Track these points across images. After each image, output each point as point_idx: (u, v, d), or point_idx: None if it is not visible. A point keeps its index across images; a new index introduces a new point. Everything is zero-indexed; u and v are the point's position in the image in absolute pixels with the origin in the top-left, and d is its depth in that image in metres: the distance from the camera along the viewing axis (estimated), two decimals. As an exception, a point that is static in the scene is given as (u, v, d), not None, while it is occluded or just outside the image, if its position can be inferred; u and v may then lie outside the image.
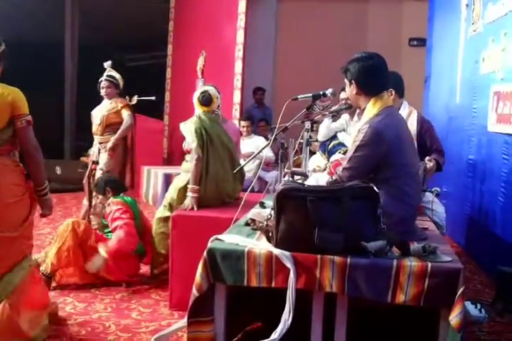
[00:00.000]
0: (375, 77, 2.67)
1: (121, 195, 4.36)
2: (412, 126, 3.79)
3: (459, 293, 2.06)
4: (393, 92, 3.71)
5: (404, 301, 2.13)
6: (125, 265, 4.04)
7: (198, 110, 4.06)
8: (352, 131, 3.56)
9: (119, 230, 3.98)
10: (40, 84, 11.24)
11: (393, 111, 2.72)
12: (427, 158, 3.60)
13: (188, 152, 3.94)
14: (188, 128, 3.88)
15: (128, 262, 4.07)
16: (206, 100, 4.05)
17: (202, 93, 4.06)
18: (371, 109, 2.62)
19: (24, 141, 2.89)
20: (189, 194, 3.77)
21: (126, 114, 5.68)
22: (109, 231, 4.15)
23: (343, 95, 4.36)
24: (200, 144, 3.81)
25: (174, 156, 9.15)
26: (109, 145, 5.65)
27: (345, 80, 2.74)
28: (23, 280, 2.88)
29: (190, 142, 3.85)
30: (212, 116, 4.02)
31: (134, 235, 4.02)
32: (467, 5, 5.69)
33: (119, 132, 5.66)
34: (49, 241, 5.31)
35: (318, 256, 2.21)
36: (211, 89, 4.11)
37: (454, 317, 2.04)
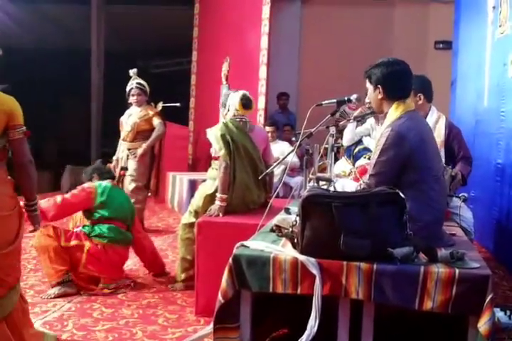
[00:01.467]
0: (401, 82, 2.68)
1: (106, 181, 4.31)
2: (440, 131, 3.76)
3: (487, 299, 2.03)
4: (422, 97, 3.69)
5: (432, 308, 2.11)
6: (108, 257, 4.06)
7: (231, 114, 3.98)
8: (376, 136, 3.54)
9: (60, 196, 4.05)
10: (67, 91, 11.41)
11: (416, 115, 2.71)
12: (454, 169, 3.57)
13: (216, 159, 3.93)
14: (214, 135, 3.86)
15: (114, 252, 4.10)
16: (249, 103, 3.99)
17: (243, 96, 3.96)
18: (393, 112, 2.62)
19: (19, 153, 2.65)
20: (217, 202, 3.76)
21: (157, 121, 5.78)
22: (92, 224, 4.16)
23: (368, 99, 4.34)
24: (227, 152, 3.80)
25: (199, 162, 9.20)
26: (140, 151, 5.73)
27: (368, 85, 2.73)
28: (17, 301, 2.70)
29: (218, 149, 3.83)
30: (239, 124, 3.96)
31: (64, 208, 4.02)
32: (494, 7, 5.62)
33: (150, 139, 5.75)
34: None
35: (344, 263, 2.20)
36: (247, 93, 4.04)
37: (483, 325, 2.01)
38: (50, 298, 3.83)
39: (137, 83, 5.90)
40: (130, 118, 5.94)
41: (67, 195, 4.09)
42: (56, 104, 11.83)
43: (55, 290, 3.89)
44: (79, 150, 10.93)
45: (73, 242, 4.00)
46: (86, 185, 4.22)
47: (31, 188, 2.76)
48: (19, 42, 9.98)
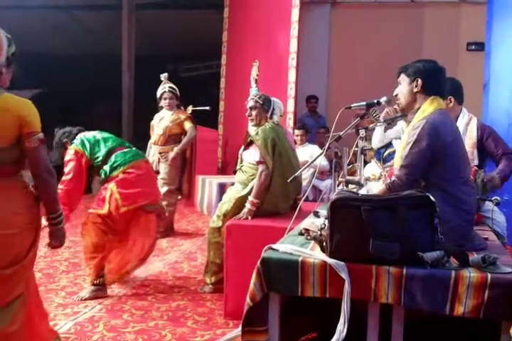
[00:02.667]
0: (441, 78, 2.70)
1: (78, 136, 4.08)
2: (472, 132, 3.71)
3: (520, 305, 1.99)
4: (452, 100, 3.64)
5: (463, 313, 2.07)
6: (137, 178, 4.00)
7: (274, 119, 4.03)
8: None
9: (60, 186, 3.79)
10: (98, 96, 11.58)
11: (447, 114, 2.70)
12: (490, 173, 3.52)
13: (258, 163, 3.87)
14: (264, 139, 3.83)
15: (138, 169, 4.03)
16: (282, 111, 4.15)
17: (281, 103, 4.13)
18: (427, 107, 2.61)
19: (35, 163, 2.41)
20: (247, 205, 3.76)
21: (189, 126, 5.85)
22: None
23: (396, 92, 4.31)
24: (272, 158, 3.81)
25: (228, 166, 9.22)
26: (172, 155, 5.80)
27: (403, 78, 2.71)
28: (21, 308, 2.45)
29: (264, 155, 3.81)
30: (280, 129, 4.03)
31: (71, 191, 3.84)
32: (527, 7, 5.52)
33: (182, 143, 5.82)
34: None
35: (374, 267, 2.18)
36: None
37: (516, 331, 1.97)
38: (81, 300, 3.88)
39: (169, 87, 5.99)
40: (161, 122, 6.01)
41: (64, 178, 3.87)
42: (88, 109, 12.01)
43: (87, 293, 3.93)
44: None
45: (106, 207, 3.91)
46: (67, 156, 3.97)
47: (51, 200, 2.50)
48: (53, 49, 10.16)
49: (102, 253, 3.96)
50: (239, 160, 4.16)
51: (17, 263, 2.39)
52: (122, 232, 4.09)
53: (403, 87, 2.72)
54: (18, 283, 2.42)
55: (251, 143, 3.96)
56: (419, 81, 2.65)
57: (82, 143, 4.00)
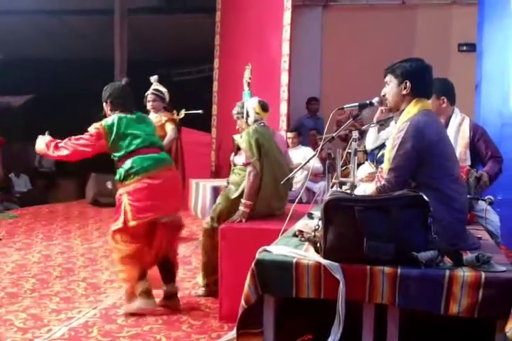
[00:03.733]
0: (429, 79, 2.69)
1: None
2: (465, 133, 3.72)
3: (515, 304, 1.99)
4: (445, 100, 3.65)
5: (458, 312, 2.07)
6: (152, 189, 3.64)
7: (252, 119, 4.03)
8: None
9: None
10: (92, 100, 11.53)
11: (433, 114, 2.71)
12: (479, 171, 3.52)
13: (245, 165, 3.88)
14: (247, 141, 3.84)
15: (156, 179, 3.65)
16: (267, 106, 4.12)
17: (260, 100, 4.12)
18: (411, 109, 2.61)
19: None
20: (241, 208, 3.76)
21: (169, 127, 5.80)
22: None
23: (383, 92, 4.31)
24: (258, 159, 3.81)
25: (222, 169, 9.20)
26: None
27: (391, 79, 2.69)
28: None
29: (249, 156, 3.82)
30: (266, 130, 4.03)
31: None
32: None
33: None
34: (101, 254, 5.42)
35: (368, 267, 2.17)
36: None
37: (511, 329, 1.96)
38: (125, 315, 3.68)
39: (153, 89, 5.94)
40: None
41: (73, 142, 3.69)
42: (79, 113, 11.99)
43: (130, 309, 3.70)
44: (103, 158, 11.02)
45: (120, 220, 3.63)
46: (91, 128, 3.72)
47: None
48: (45, 54, 10.14)
49: (130, 264, 3.68)
50: (232, 165, 4.18)
51: None
52: (147, 236, 3.75)
53: (391, 89, 2.71)
54: None
55: (239, 148, 3.98)
56: (408, 83, 2.63)
57: (111, 126, 3.67)
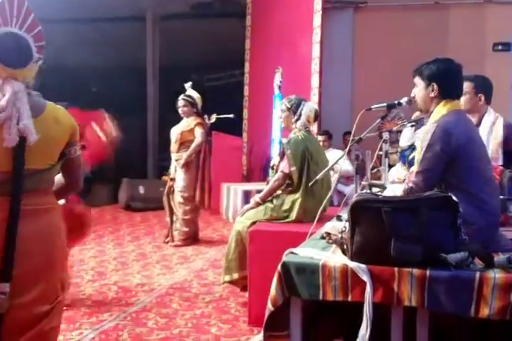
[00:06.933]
0: (458, 80, 2.62)
1: None
2: (498, 132, 3.63)
3: (548, 306, 1.92)
4: (482, 98, 3.58)
5: (489, 315, 2.00)
6: None
7: (301, 123, 3.99)
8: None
9: None
10: (125, 107, 11.69)
11: (463, 114, 2.64)
12: None
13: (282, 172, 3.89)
14: (294, 150, 3.84)
15: None
16: (317, 117, 4.14)
17: (316, 109, 4.09)
18: (440, 110, 2.54)
19: (77, 173, 2.19)
20: (252, 201, 3.91)
21: (198, 131, 5.89)
22: None
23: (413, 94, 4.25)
24: (298, 169, 3.81)
25: (253, 173, 9.20)
26: (182, 161, 5.84)
27: (418, 81, 2.63)
28: None
29: (291, 164, 3.82)
30: (312, 137, 4.07)
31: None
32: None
33: (190, 149, 5.86)
34: (132, 258, 5.46)
35: (396, 269, 2.12)
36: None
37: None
38: None
39: (184, 95, 6.06)
40: (175, 130, 6.08)
41: None
42: (113, 121, 12.14)
43: None
44: (136, 163, 11.15)
45: None
46: None
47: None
48: (79, 61, 10.29)
49: None
50: (272, 171, 4.14)
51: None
52: None
53: (419, 91, 2.65)
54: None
55: (284, 153, 3.96)
56: (435, 86, 2.56)
57: None
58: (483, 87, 3.61)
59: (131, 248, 6.01)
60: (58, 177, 2.19)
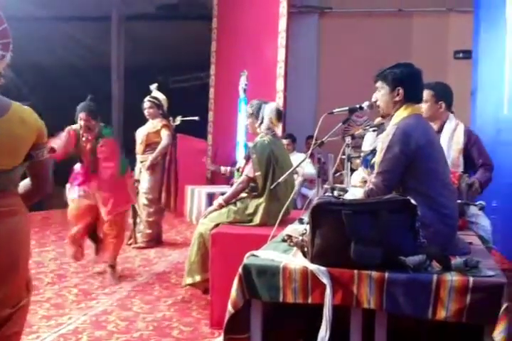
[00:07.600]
0: (420, 84, 2.67)
1: None
2: (459, 138, 3.69)
3: (502, 308, 1.96)
4: (443, 105, 3.64)
5: (446, 317, 2.04)
6: None
7: (265, 126, 3.97)
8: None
9: None
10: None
11: (421, 118, 2.69)
12: (471, 178, 3.49)
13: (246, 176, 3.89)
14: (260, 154, 3.84)
15: None
16: (281, 116, 4.10)
17: (278, 108, 4.04)
18: (401, 113, 2.59)
19: (45, 176, 2.15)
20: (215, 203, 3.93)
21: (165, 133, 5.85)
22: None
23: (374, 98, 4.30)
24: (263, 174, 3.81)
25: (218, 176, 9.18)
26: (147, 163, 5.80)
27: (382, 85, 2.66)
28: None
29: (256, 169, 3.82)
30: (278, 140, 4.07)
31: None
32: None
33: (156, 151, 5.82)
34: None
35: (355, 272, 2.15)
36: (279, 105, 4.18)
37: (499, 334, 1.93)
38: None
39: (150, 97, 6.04)
40: (141, 131, 6.04)
41: None
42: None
43: None
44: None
45: None
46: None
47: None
48: (42, 60, 10.14)
49: None
50: (238, 173, 4.13)
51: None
52: None
53: (383, 95, 2.67)
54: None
55: (249, 157, 3.95)
56: (401, 90, 2.59)
57: None
58: (444, 94, 3.67)
59: (92, 250, 5.91)
60: (26, 181, 2.16)
